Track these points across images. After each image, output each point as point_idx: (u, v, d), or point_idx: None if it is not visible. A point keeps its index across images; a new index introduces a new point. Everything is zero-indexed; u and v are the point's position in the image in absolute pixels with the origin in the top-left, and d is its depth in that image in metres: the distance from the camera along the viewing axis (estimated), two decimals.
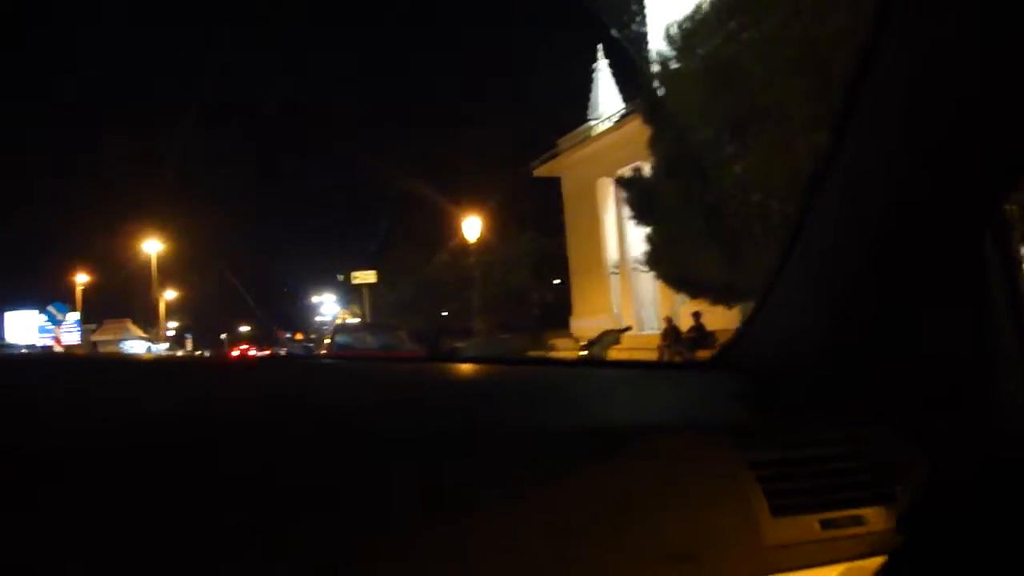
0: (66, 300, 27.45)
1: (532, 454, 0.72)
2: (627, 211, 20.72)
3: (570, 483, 0.70)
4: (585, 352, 13.13)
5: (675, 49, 10.22)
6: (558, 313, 25.13)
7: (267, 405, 0.75)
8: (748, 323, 1.07)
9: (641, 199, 11.87)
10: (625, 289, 21.48)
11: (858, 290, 0.88)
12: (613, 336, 12.91)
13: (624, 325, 20.41)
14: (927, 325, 0.86)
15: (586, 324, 22.01)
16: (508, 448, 0.72)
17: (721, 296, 10.38)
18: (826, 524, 0.77)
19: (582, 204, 23.09)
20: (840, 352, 0.91)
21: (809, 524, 0.77)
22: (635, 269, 21.13)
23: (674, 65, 10.30)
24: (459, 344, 16.95)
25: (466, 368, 1.14)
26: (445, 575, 0.62)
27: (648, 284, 20.79)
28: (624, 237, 21.29)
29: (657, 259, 11.77)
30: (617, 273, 22.08)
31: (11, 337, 25.31)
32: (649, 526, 0.71)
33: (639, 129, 19.79)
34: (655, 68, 11.10)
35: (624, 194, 13.12)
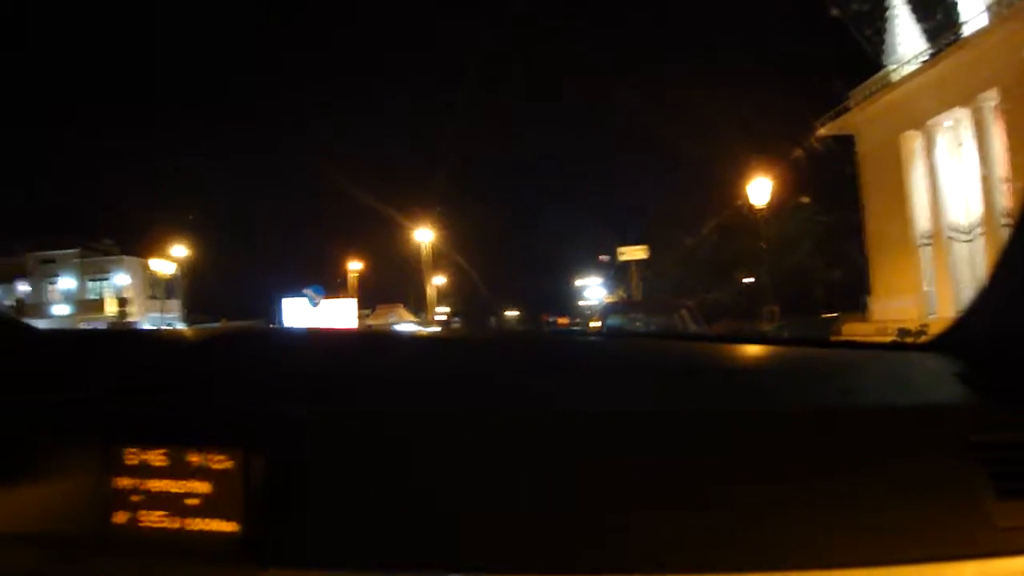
0: (344, 287, 30.73)
1: (770, 432, 0.80)
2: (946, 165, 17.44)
3: (805, 460, 0.77)
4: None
5: None
6: (844, 294, 22.52)
7: None
8: (971, 307, 1.08)
9: None
10: (940, 263, 18.09)
11: None
12: None
13: (935, 305, 17.46)
14: None
15: (889, 305, 19.21)
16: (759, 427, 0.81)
17: None
18: None
19: (883, 164, 20.00)
20: None
21: None
22: (951, 238, 17.75)
23: None
24: (766, 327, 16.26)
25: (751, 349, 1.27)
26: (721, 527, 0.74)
27: (967, 256, 17.31)
28: (939, 199, 17.94)
29: None
30: (929, 244, 18.69)
31: (288, 321, 29.09)
32: (876, 504, 0.75)
33: (960, 64, 16.57)
34: None
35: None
